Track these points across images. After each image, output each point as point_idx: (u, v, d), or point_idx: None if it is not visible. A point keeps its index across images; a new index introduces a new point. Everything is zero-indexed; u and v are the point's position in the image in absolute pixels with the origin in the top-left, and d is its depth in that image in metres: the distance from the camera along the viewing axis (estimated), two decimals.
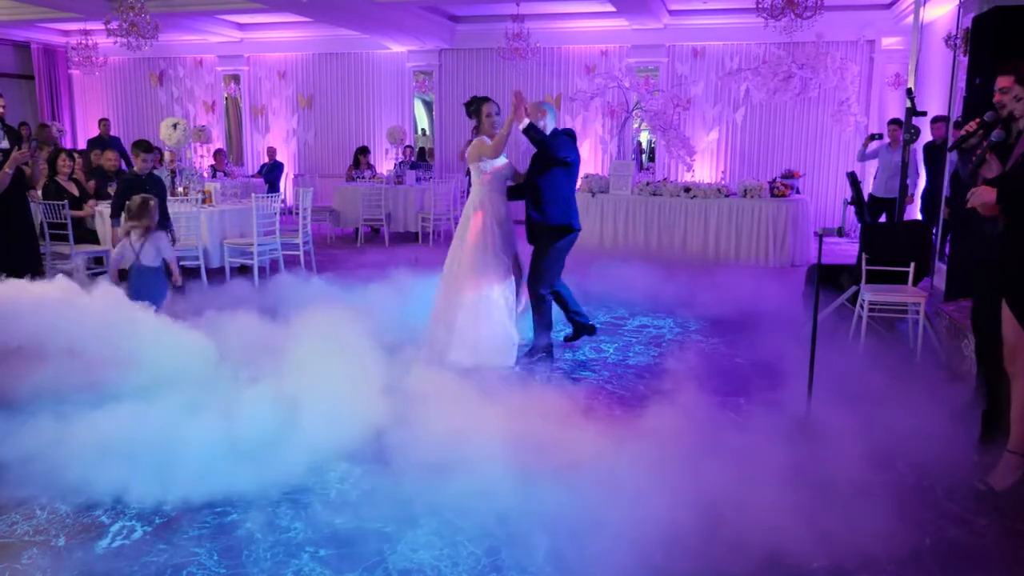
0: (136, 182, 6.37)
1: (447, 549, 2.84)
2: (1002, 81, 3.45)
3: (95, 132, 13.09)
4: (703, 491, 3.07)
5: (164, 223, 6.51)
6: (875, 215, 8.74)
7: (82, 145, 12.55)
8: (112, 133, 12.82)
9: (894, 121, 8.87)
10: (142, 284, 5.19)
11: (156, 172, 6.89)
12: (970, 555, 2.79)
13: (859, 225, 8.92)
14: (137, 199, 5.29)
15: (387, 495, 3.24)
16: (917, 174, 8.97)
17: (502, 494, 3.11)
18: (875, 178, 9.18)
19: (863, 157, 9.28)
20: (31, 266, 5.45)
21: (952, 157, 6.92)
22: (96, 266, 7.40)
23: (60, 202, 7.02)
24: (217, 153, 12.94)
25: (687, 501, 2.97)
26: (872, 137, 9.23)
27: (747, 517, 2.90)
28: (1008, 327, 3.27)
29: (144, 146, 6.59)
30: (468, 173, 11.92)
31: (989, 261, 3.46)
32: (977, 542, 2.85)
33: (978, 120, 3.42)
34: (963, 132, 3.50)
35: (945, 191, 7.32)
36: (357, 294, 6.33)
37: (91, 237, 7.59)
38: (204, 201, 8.16)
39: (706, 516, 2.89)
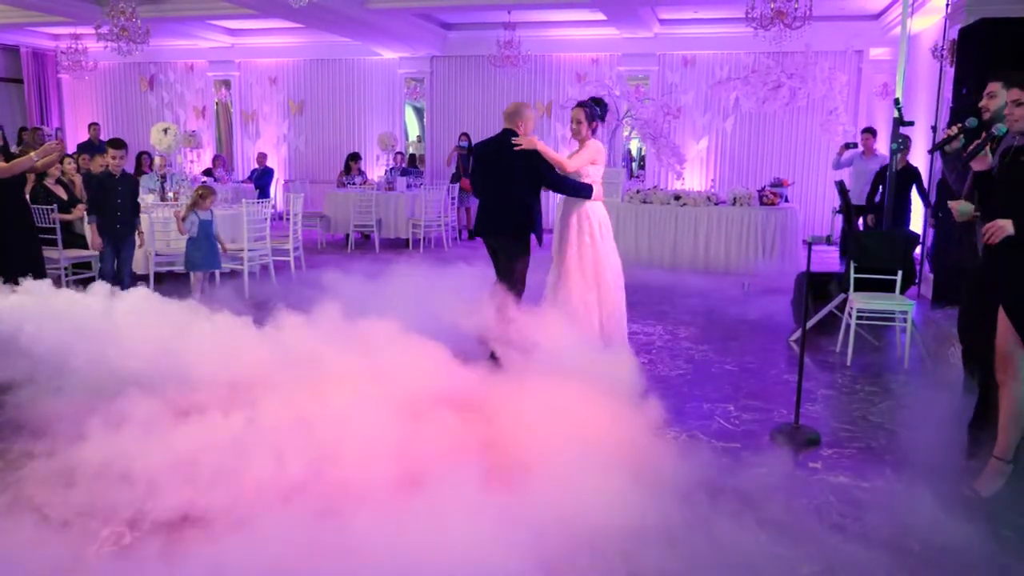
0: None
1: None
2: (991, 86, 3.54)
3: (85, 137, 13.04)
4: (689, 494, 3.08)
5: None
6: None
7: (71, 150, 12.48)
8: (102, 138, 12.78)
9: (867, 130, 9.10)
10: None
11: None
12: (958, 561, 2.80)
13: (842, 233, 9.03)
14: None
15: None
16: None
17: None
18: (849, 186, 9.28)
19: (838, 165, 9.48)
20: (34, 268, 5.39)
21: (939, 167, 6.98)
22: (82, 271, 7.36)
23: (48, 206, 6.99)
24: (216, 159, 12.94)
25: (669, 500, 2.98)
26: (847, 146, 9.41)
27: (733, 521, 2.91)
28: (1002, 335, 3.25)
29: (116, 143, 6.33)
30: (456, 177, 11.71)
31: (975, 270, 3.49)
32: (965, 548, 2.87)
33: (959, 125, 3.52)
34: (945, 135, 3.59)
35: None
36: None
37: (79, 241, 7.54)
38: None
39: (690, 518, 2.90)
